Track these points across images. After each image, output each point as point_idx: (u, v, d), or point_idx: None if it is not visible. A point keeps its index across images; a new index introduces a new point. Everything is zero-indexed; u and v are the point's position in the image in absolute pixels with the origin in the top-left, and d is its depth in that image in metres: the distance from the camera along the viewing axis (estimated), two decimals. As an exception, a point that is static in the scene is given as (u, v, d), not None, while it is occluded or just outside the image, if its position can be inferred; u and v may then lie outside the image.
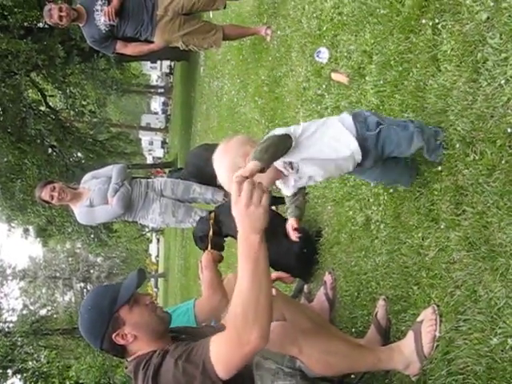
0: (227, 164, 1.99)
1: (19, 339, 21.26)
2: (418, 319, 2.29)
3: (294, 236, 2.56)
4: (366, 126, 2.10)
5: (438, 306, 2.23)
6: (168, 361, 1.86)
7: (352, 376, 2.59)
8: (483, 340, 1.94)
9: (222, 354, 1.72)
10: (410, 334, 2.28)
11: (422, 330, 2.23)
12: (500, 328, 1.88)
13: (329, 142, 2.08)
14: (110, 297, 2.06)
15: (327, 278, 3.22)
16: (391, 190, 2.68)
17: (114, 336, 2.01)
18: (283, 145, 1.99)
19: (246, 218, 1.63)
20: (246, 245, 1.65)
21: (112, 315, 2.02)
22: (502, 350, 1.85)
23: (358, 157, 2.10)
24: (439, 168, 2.31)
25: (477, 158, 2.10)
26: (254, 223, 1.63)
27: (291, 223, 2.50)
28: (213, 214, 3.59)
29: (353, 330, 2.86)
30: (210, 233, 3.46)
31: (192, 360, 1.79)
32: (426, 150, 2.27)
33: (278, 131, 2.06)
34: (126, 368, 2.08)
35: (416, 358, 2.23)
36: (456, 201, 2.19)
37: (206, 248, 3.31)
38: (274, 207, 4.00)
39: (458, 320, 2.08)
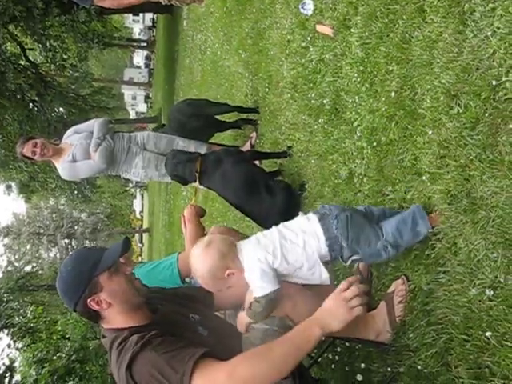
0: (206, 271, 2.07)
1: (5, 295, 21.30)
2: (389, 290, 2.34)
3: None
4: (340, 253, 2.13)
5: (406, 276, 2.29)
6: (148, 354, 1.85)
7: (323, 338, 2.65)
8: (462, 291, 1.98)
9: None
10: (382, 305, 2.33)
11: (393, 301, 2.29)
12: (479, 279, 1.91)
13: (304, 274, 2.14)
14: (92, 260, 2.04)
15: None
16: (375, 144, 2.68)
17: (88, 300, 1.99)
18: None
19: (336, 310, 1.84)
20: (308, 331, 1.82)
21: (91, 279, 1.99)
22: (480, 301, 1.89)
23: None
24: (423, 121, 2.30)
25: (461, 110, 2.09)
26: (334, 318, 1.83)
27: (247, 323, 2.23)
28: (199, 161, 3.50)
29: (335, 282, 2.89)
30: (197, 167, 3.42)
31: (173, 365, 1.80)
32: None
33: (257, 257, 2.08)
34: (103, 337, 2.08)
35: (389, 327, 2.28)
36: (439, 154, 2.19)
37: (195, 181, 3.25)
38: (257, 162, 3.99)
39: (438, 272, 2.11)
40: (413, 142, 2.38)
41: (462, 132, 2.07)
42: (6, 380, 15.28)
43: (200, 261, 2.07)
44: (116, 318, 2.05)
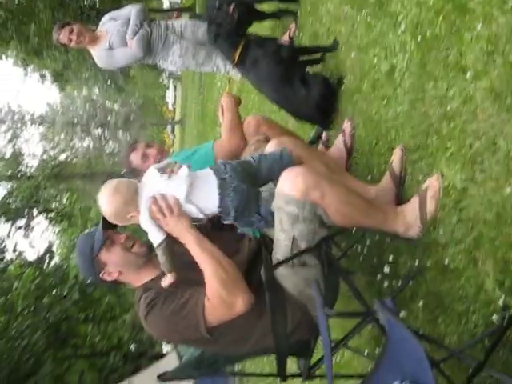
0: (113, 213, 2.32)
1: (42, 182, 22.00)
2: (423, 186, 2.33)
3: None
4: (226, 216, 2.41)
5: (442, 174, 2.27)
6: (157, 313, 2.23)
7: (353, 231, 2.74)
8: (497, 190, 1.98)
9: (216, 315, 2.16)
10: (415, 200, 2.33)
11: (426, 196, 2.28)
12: (515, 179, 1.91)
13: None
14: (90, 243, 2.38)
15: (346, 125, 3.22)
16: (419, 38, 2.60)
17: (101, 275, 2.38)
18: None
19: (175, 227, 2.22)
20: (185, 238, 2.21)
21: (94, 260, 2.36)
22: (514, 200, 1.90)
23: None
24: (472, 16, 2.21)
25: (516, 4, 1.99)
26: (179, 227, 2.21)
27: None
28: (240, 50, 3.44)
29: (368, 177, 2.92)
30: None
31: (187, 317, 2.18)
32: None
33: None
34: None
35: (419, 223, 2.29)
36: (486, 50, 2.12)
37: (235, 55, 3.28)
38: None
39: (474, 170, 2.11)
40: (460, 38, 2.29)
41: (513, 27, 1.98)
42: (46, 261, 16.14)
43: (107, 204, 2.32)
44: (131, 279, 2.44)
